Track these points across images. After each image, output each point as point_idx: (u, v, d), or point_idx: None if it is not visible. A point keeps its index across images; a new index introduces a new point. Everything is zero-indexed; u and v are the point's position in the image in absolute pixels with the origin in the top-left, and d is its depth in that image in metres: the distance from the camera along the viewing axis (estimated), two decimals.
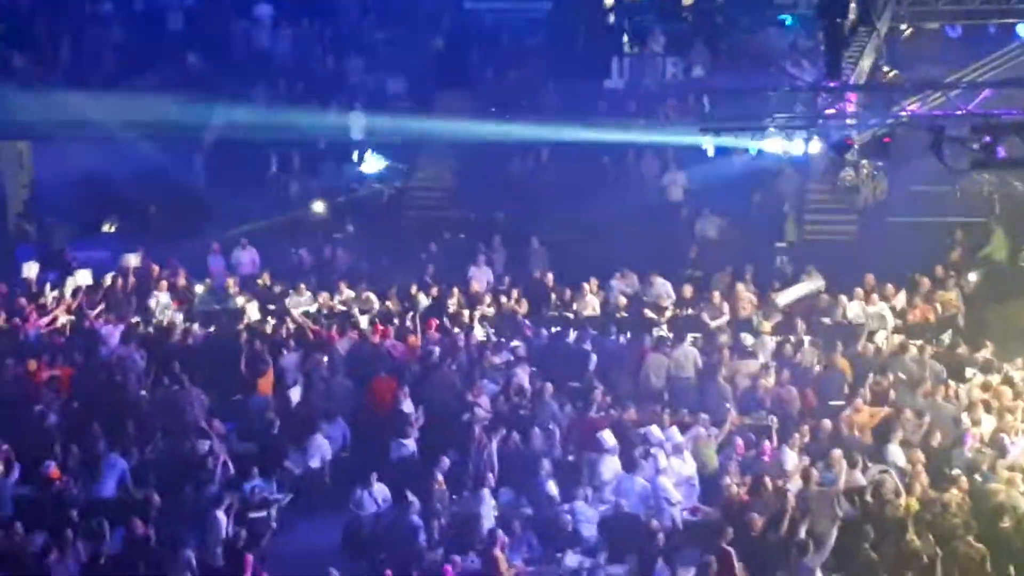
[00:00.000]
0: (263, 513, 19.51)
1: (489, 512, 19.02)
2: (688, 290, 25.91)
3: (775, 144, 21.89)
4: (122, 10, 35.00)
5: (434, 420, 21.74)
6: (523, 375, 22.73)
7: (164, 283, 26.55)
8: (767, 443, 20.50)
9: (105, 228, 30.49)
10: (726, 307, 25.04)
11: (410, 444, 21.15)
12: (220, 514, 18.50)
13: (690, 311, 25.25)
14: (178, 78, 32.53)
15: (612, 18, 33.38)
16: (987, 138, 18.72)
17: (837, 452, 19.54)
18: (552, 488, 19.65)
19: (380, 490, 19.70)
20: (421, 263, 28.26)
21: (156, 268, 27.19)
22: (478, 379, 22.52)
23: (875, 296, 24.91)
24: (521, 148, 30.90)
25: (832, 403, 21.84)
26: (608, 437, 20.29)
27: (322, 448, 21.22)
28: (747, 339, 23.98)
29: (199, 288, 26.84)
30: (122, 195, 30.59)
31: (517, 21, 33.28)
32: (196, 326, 24.95)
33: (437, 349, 23.52)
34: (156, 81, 32.36)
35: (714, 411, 21.48)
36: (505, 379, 22.68)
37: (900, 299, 25.04)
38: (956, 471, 19.19)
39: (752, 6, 31.19)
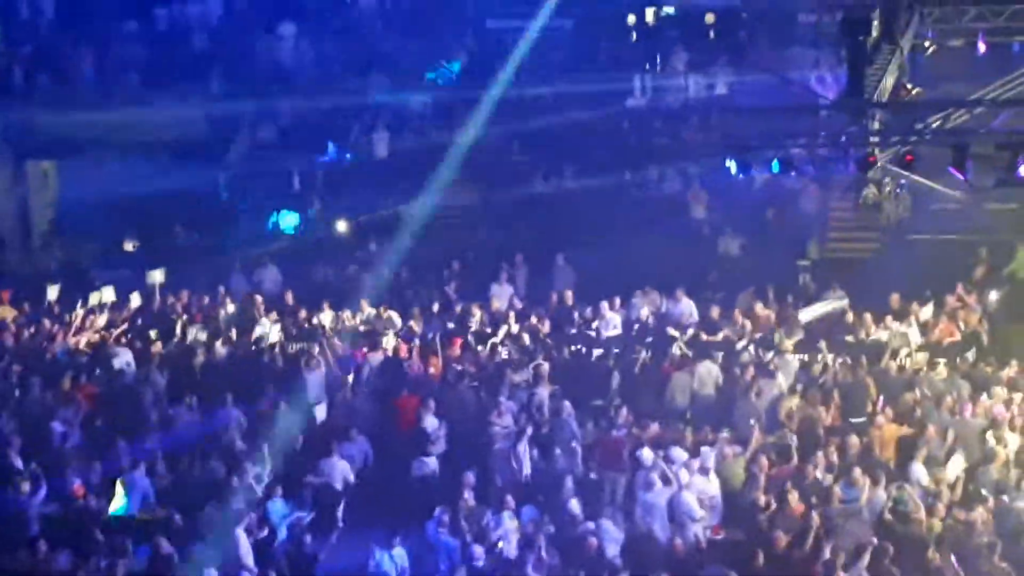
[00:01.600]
0: (283, 532, 19.52)
1: (511, 531, 19.00)
2: (716, 312, 25.48)
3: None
4: (145, 28, 35.16)
5: (457, 438, 21.73)
6: (545, 393, 22.69)
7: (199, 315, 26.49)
8: (791, 461, 20.41)
9: (128, 247, 30.50)
10: (748, 326, 24.92)
11: (432, 462, 21.15)
12: (241, 533, 18.53)
13: (716, 335, 24.97)
14: (201, 96, 32.69)
15: (634, 36, 33.34)
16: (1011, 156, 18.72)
17: (859, 470, 19.47)
18: (575, 506, 19.62)
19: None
20: (443, 281, 28.25)
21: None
22: (500, 397, 22.46)
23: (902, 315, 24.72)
24: (544, 166, 30.92)
25: (855, 420, 21.74)
26: (647, 455, 20.21)
27: (340, 470, 20.97)
28: (768, 357, 23.87)
29: (230, 307, 26.72)
30: (146, 214, 30.65)
31: (539, 39, 33.20)
32: (219, 344, 24.92)
33: (460, 367, 23.51)
34: (179, 99, 32.50)
35: (738, 429, 21.41)
36: (527, 397, 22.64)
37: (927, 311, 24.82)
38: (983, 490, 19.10)
39: (775, 23, 31.17)
